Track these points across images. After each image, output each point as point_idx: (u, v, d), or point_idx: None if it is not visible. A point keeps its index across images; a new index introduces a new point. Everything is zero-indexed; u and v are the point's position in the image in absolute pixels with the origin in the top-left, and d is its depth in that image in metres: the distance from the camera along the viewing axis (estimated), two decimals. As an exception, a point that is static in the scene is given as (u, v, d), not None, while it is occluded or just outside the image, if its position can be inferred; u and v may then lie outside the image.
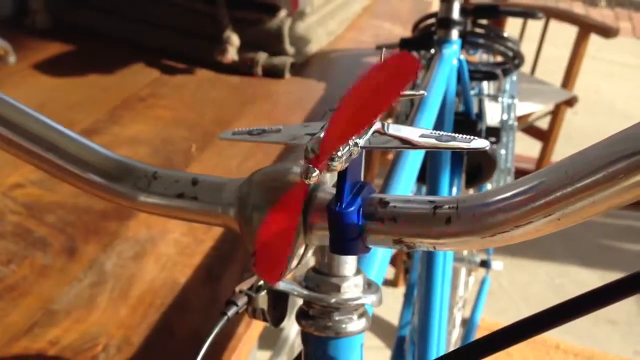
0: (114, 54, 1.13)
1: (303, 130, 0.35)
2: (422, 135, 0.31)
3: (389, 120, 1.08)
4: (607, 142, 0.25)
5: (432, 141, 0.31)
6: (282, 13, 1.09)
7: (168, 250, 0.67)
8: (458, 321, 1.32)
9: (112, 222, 0.70)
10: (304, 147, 0.29)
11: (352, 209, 0.31)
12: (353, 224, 0.31)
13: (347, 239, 0.32)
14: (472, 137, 0.30)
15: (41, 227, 0.68)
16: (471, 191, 1.29)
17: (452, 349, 1.22)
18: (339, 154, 0.29)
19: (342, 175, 0.31)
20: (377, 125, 0.33)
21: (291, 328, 1.31)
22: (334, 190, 0.33)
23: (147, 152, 0.84)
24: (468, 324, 1.44)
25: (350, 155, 0.30)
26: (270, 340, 1.28)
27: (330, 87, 1.11)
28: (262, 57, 1.11)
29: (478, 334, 1.50)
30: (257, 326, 0.61)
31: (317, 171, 0.28)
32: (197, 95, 1.03)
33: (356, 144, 0.30)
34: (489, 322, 1.79)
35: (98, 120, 0.91)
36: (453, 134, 0.31)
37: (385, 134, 0.33)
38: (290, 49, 1.12)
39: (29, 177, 0.75)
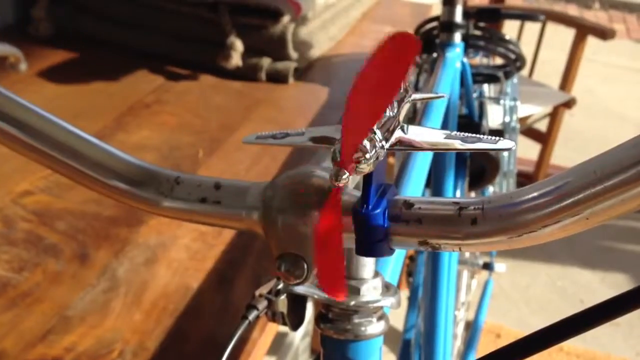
0: (118, 61, 1.13)
1: (327, 132, 0.35)
2: (447, 137, 0.32)
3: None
4: (635, 142, 0.26)
5: (458, 142, 0.31)
6: (285, 18, 1.09)
7: (179, 255, 0.67)
8: (461, 324, 1.32)
9: (122, 228, 0.70)
10: (331, 149, 0.30)
11: (378, 211, 0.31)
12: (379, 226, 0.31)
13: (373, 241, 0.32)
14: (497, 137, 0.31)
15: (52, 234, 0.68)
16: (473, 194, 1.29)
17: (455, 352, 1.23)
18: (367, 156, 0.29)
19: (367, 177, 0.31)
20: (399, 133, 0.33)
21: (295, 332, 1.32)
22: (357, 193, 0.33)
23: (154, 158, 0.84)
24: (472, 326, 1.45)
25: (377, 158, 0.30)
26: (274, 345, 1.28)
27: (333, 92, 1.12)
28: (265, 62, 1.11)
29: (482, 336, 1.50)
30: (271, 330, 0.61)
31: (347, 173, 0.28)
32: (202, 101, 1.03)
33: (382, 147, 0.31)
34: (491, 324, 1.79)
35: (104, 127, 0.91)
36: (478, 135, 0.31)
37: (407, 137, 0.33)
38: (293, 54, 1.12)
39: (37, 184, 0.76)
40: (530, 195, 0.28)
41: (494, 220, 0.29)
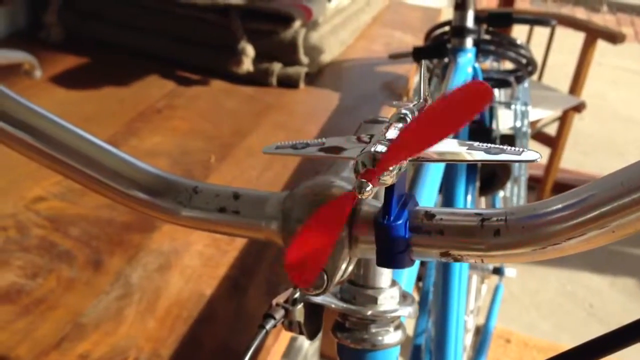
0: (129, 66, 1.13)
1: (346, 143, 0.35)
2: (470, 148, 0.31)
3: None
4: None
5: (482, 154, 0.31)
6: (297, 23, 1.09)
7: (192, 262, 0.67)
8: (471, 330, 1.31)
9: (135, 234, 0.70)
10: (354, 161, 0.29)
11: (399, 222, 0.31)
12: (400, 237, 0.31)
13: (394, 253, 0.32)
14: (520, 148, 0.30)
15: (65, 240, 0.68)
16: (483, 199, 1.29)
17: (465, 358, 1.22)
18: (391, 167, 0.29)
19: (389, 188, 0.31)
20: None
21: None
22: (377, 203, 0.33)
23: (166, 163, 0.84)
24: (482, 331, 1.44)
25: (400, 169, 0.30)
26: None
27: (344, 97, 1.12)
28: (276, 67, 1.11)
29: (492, 342, 1.49)
30: (285, 338, 0.61)
31: (371, 186, 0.28)
32: (213, 106, 1.03)
33: (405, 158, 0.30)
34: (501, 329, 1.79)
35: (116, 133, 0.91)
36: (501, 146, 0.31)
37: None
38: (304, 59, 1.12)
39: (51, 190, 0.76)
40: (555, 207, 0.28)
41: (517, 231, 0.29)
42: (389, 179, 0.29)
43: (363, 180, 0.28)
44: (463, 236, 0.30)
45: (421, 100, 0.37)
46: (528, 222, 0.29)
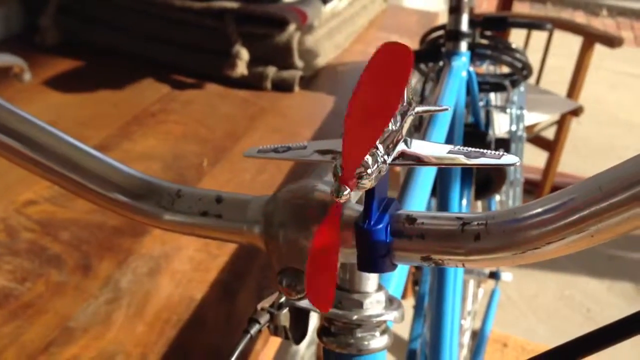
0: (124, 69, 1.13)
1: (329, 146, 0.34)
2: (450, 152, 0.31)
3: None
4: None
5: (461, 158, 0.31)
6: (291, 27, 1.09)
7: (183, 266, 0.67)
8: (467, 334, 1.31)
9: (125, 238, 0.70)
10: (332, 164, 0.29)
11: (380, 226, 0.31)
12: (381, 242, 0.31)
13: (375, 257, 0.31)
14: (500, 152, 0.30)
15: (55, 244, 0.68)
16: (480, 203, 1.28)
17: (462, 362, 1.22)
18: (369, 171, 0.29)
19: (370, 192, 0.31)
20: (402, 146, 0.32)
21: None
22: (359, 207, 0.32)
23: (159, 167, 0.84)
24: (478, 336, 1.44)
25: (380, 172, 0.30)
26: (279, 354, 1.27)
27: (339, 100, 1.11)
28: (271, 71, 1.11)
29: (488, 346, 1.49)
30: (274, 343, 0.61)
31: (349, 190, 0.28)
32: (207, 110, 1.03)
33: (384, 161, 0.30)
34: (498, 334, 1.78)
35: (109, 136, 0.91)
36: (482, 150, 0.31)
37: (410, 151, 0.32)
38: (299, 62, 1.12)
39: (42, 194, 0.75)
40: (535, 211, 0.28)
41: (497, 236, 0.29)
42: (367, 182, 0.29)
43: (340, 184, 0.28)
44: (444, 240, 0.30)
45: (404, 104, 0.37)
46: (508, 226, 0.28)
